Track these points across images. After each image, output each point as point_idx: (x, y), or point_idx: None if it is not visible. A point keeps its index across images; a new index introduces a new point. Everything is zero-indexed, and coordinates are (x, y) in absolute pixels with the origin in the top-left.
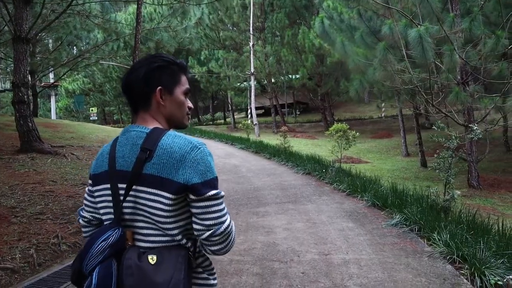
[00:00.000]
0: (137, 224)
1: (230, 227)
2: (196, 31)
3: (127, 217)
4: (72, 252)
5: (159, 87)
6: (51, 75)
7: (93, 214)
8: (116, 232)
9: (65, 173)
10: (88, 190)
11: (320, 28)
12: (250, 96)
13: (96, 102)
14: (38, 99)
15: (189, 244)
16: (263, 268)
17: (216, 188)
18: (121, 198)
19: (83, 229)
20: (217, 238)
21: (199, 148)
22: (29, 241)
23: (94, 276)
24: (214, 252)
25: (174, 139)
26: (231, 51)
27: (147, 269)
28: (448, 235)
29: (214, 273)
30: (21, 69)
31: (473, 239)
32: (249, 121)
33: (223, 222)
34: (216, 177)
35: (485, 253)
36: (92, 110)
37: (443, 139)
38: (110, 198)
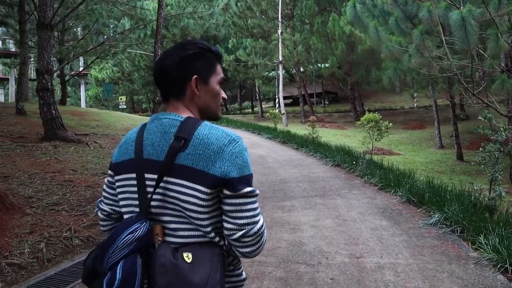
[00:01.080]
0: (165, 218)
1: (263, 228)
2: (223, 19)
3: (153, 210)
4: (85, 247)
5: (195, 76)
6: (81, 63)
7: (113, 207)
8: (144, 225)
9: (86, 161)
10: (108, 181)
11: (352, 12)
12: (278, 85)
13: (125, 91)
14: (69, 88)
15: (222, 242)
16: (287, 272)
17: (251, 185)
18: (150, 189)
19: (102, 223)
20: (249, 239)
21: (237, 142)
22: (41, 234)
23: (118, 270)
24: (244, 254)
25: (211, 130)
26: (259, 39)
27: (183, 268)
28: (497, 239)
29: (242, 267)
30: (44, 56)
31: None
32: (276, 111)
33: (256, 222)
34: (252, 174)
35: None
36: (121, 98)
37: (489, 131)
38: (134, 188)
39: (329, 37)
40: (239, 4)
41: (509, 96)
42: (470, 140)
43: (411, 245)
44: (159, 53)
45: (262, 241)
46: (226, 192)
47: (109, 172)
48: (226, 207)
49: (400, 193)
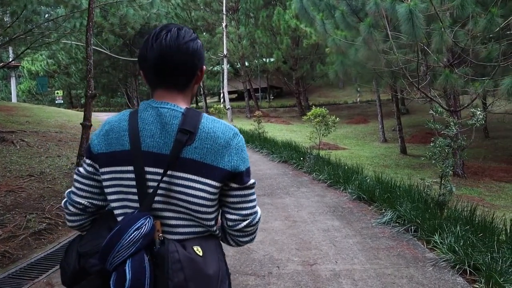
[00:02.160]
0: (166, 214)
1: (261, 216)
2: (166, 10)
3: (154, 205)
4: None
5: (203, 66)
6: (11, 54)
7: (91, 200)
8: (148, 222)
9: (9, 162)
10: (86, 171)
11: (298, 5)
12: (223, 79)
13: (62, 85)
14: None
15: (219, 234)
16: (235, 286)
17: (251, 177)
18: (151, 183)
19: (72, 217)
20: (251, 228)
21: (239, 135)
22: None
23: (127, 270)
24: (241, 243)
25: (214, 123)
26: (203, 32)
27: (198, 261)
28: (452, 238)
29: None
30: None
31: (482, 243)
32: (221, 105)
33: (257, 212)
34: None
35: (501, 262)
36: (57, 93)
37: (439, 126)
38: (131, 182)
39: (274, 31)
40: None
41: (451, 91)
42: (411, 134)
43: (366, 247)
44: (91, 42)
45: (257, 229)
46: (233, 185)
47: (88, 161)
48: (231, 199)
49: (350, 190)
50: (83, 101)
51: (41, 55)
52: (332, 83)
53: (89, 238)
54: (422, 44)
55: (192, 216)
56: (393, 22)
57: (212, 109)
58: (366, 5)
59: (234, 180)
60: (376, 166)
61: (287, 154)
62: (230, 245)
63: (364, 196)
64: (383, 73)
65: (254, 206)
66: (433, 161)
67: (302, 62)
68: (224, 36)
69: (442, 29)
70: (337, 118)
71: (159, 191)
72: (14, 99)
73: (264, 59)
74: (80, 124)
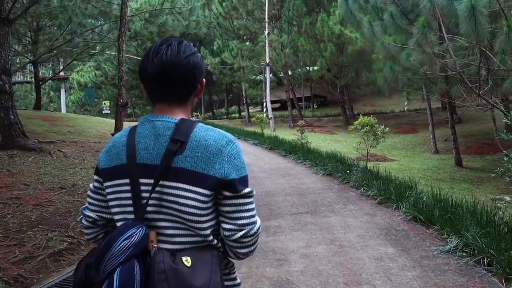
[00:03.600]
0: (161, 224)
1: (260, 227)
2: (209, 19)
3: (149, 215)
4: None
5: (203, 79)
6: (61, 67)
7: (99, 214)
8: (140, 231)
9: (43, 174)
10: (94, 187)
11: (344, 7)
12: (265, 88)
13: (109, 95)
14: (52, 93)
15: (219, 244)
16: None
17: (248, 185)
18: (145, 194)
19: (86, 231)
20: (248, 239)
21: (233, 143)
22: None
23: (115, 277)
24: (240, 255)
25: (207, 131)
26: (246, 41)
27: (184, 272)
28: None
29: (236, 271)
30: (1, 54)
31: None
32: (264, 115)
33: (255, 222)
34: (248, 174)
35: None
36: (104, 103)
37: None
38: (127, 194)
39: (318, 38)
40: (224, 4)
41: None
42: (465, 145)
43: (429, 284)
44: (123, 49)
45: (258, 241)
46: (226, 193)
47: (96, 177)
48: (226, 208)
49: (403, 209)
50: (129, 111)
51: (89, 67)
52: (378, 92)
53: (95, 250)
54: (482, 47)
55: (186, 225)
56: (447, 23)
57: (254, 118)
58: (418, 4)
59: (227, 188)
60: (429, 179)
61: (332, 166)
62: (230, 257)
63: (421, 217)
64: (437, 78)
65: (251, 216)
66: (508, 179)
67: (346, 69)
68: (267, 45)
69: (508, 27)
70: (387, 128)
71: (152, 201)
72: (63, 109)
73: (308, 68)
74: (111, 134)
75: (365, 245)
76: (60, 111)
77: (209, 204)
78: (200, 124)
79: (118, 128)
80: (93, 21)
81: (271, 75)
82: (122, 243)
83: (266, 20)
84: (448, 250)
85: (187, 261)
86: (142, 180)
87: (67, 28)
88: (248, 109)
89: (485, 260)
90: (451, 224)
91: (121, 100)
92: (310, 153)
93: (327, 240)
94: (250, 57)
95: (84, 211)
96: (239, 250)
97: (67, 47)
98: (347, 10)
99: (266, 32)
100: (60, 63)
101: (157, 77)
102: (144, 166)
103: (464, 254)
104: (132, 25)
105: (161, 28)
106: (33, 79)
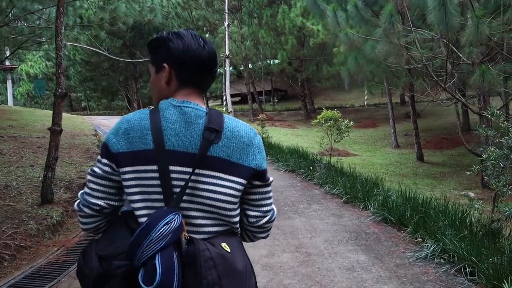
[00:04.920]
0: (192, 213)
1: (276, 212)
2: (167, 10)
3: (181, 204)
4: None
5: None
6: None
7: (108, 201)
8: (177, 217)
9: None
10: (103, 171)
11: None
12: (225, 81)
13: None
14: (0, 84)
15: (239, 231)
16: None
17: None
18: (177, 182)
19: (87, 220)
20: (270, 224)
21: (258, 135)
22: None
23: (157, 264)
24: (256, 239)
25: (236, 122)
26: (205, 33)
27: (229, 257)
28: None
29: None
30: None
31: None
32: (224, 109)
33: (274, 208)
34: None
35: None
36: None
37: (493, 132)
38: (154, 182)
39: (279, 31)
40: None
41: (482, 91)
42: (425, 139)
43: None
44: (62, 32)
45: None
46: (257, 182)
47: (105, 161)
48: (253, 196)
49: (372, 209)
50: (83, 104)
51: (39, 57)
52: (338, 86)
53: (109, 241)
54: (448, 40)
55: (218, 214)
56: (410, 16)
57: None
58: None
59: (258, 178)
60: (392, 175)
61: (294, 162)
62: (245, 241)
63: (391, 218)
64: (401, 72)
65: (272, 203)
66: (485, 178)
67: (307, 63)
68: (227, 36)
69: (479, 17)
70: (351, 122)
71: (186, 190)
72: (10, 102)
73: (268, 61)
74: (48, 129)
75: (334, 252)
76: (7, 103)
77: (240, 193)
78: (225, 114)
79: (56, 122)
80: (39, 7)
81: (231, 68)
82: (162, 228)
83: (226, 11)
84: (424, 256)
85: (226, 247)
86: (172, 168)
87: (10, 13)
88: (207, 103)
89: (467, 268)
90: (425, 226)
91: (59, 90)
92: (271, 148)
93: (292, 246)
94: None
95: (88, 198)
96: (259, 235)
97: (10, 34)
98: (311, 1)
99: (226, 24)
100: (6, 52)
101: (206, 64)
102: (174, 153)
103: (442, 261)
104: (85, 13)
105: (112, 14)
106: None
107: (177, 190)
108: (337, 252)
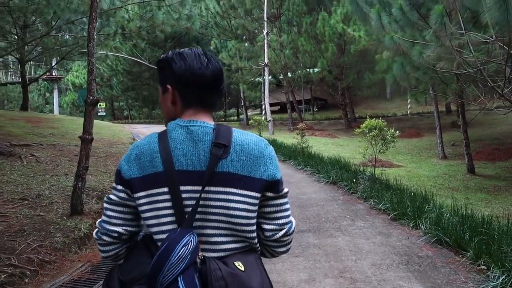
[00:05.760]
0: (207, 232)
1: (295, 225)
2: (206, 19)
3: (194, 223)
4: None
5: None
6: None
7: (126, 228)
8: (193, 238)
9: (5, 182)
10: (119, 197)
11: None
12: (264, 90)
13: (104, 97)
14: (48, 94)
15: (259, 247)
16: None
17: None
18: (188, 202)
19: (106, 248)
20: (288, 237)
21: (270, 145)
22: None
23: (181, 286)
24: (278, 254)
25: (245, 135)
26: (244, 41)
27: (242, 276)
28: None
29: None
30: None
31: None
32: (262, 117)
33: (292, 221)
34: None
35: None
36: (100, 105)
37: None
38: (166, 204)
39: (318, 38)
40: (221, 2)
41: None
42: (475, 150)
43: None
44: (94, 38)
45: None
46: (270, 194)
47: (120, 187)
48: (267, 209)
49: (423, 228)
50: (125, 113)
51: (84, 67)
52: (380, 95)
53: (131, 265)
54: (501, 43)
55: (234, 230)
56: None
57: (251, 121)
58: None
59: (271, 189)
60: (441, 188)
61: (336, 173)
62: (266, 257)
63: (447, 239)
64: (450, 78)
65: (289, 215)
66: None
67: (348, 71)
68: (265, 45)
69: None
70: (397, 132)
71: (198, 209)
72: (56, 111)
73: (308, 69)
74: (79, 137)
75: (384, 279)
76: (54, 112)
77: (256, 207)
78: (235, 128)
79: (87, 130)
80: (84, 18)
81: (270, 77)
82: (181, 251)
83: (265, 19)
84: None
85: (240, 265)
86: (183, 188)
87: (54, 25)
88: (246, 112)
89: None
90: (489, 251)
91: (91, 97)
92: (311, 158)
93: (335, 270)
94: (249, 58)
95: (106, 226)
96: (278, 249)
97: (55, 45)
98: (353, 2)
99: (265, 32)
100: (53, 63)
101: (210, 82)
102: (184, 173)
103: None
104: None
105: (149, 22)
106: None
107: (189, 209)
108: (387, 279)
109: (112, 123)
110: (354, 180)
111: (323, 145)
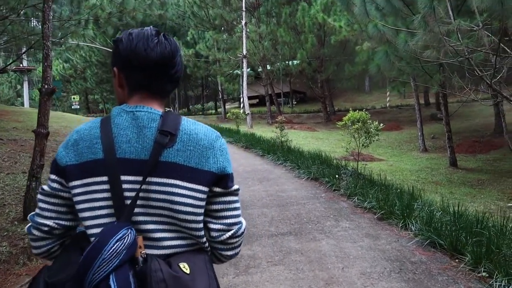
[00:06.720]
0: (147, 227)
1: (245, 227)
2: (183, 9)
3: (134, 218)
4: None
5: None
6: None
7: (58, 221)
8: (130, 232)
9: None
10: (52, 188)
11: None
12: (243, 82)
13: (78, 90)
14: (19, 86)
15: (209, 248)
16: None
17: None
18: (128, 194)
19: (37, 244)
20: (236, 240)
21: (221, 138)
22: None
23: (112, 284)
24: (226, 258)
25: (194, 125)
26: (222, 32)
27: (185, 280)
28: None
29: None
30: None
31: None
32: (240, 111)
33: (241, 222)
34: None
35: None
36: (73, 98)
37: None
38: (104, 194)
39: (298, 29)
40: None
41: None
42: (455, 143)
43: None
44: (50, 19)
45: (242, 242)
46: (218, 189)
47: (53, 177)
48: (215, 206)
49: (414, 228)
50: (100, 106)
51: (57, 59)
52: (358, 87)
53: (59, 266)
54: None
55: (179, 226)
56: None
57: (229, 114)
58: None
59: (220, 184)
60: (424, 182)
61: (317, 169)
62: (214, 262)
63: (441, 242)
64: (434, 68)
65: (238, 215)
66: None
67: (328, 63)
68: (244, 36)
69: None
70: (381, 124)
71: (139, 201)
72: (26, 103)
73: (287, 61)
74: (32, 131)
75: None
76: (24, 105)
77: (204, 202)
78: (185, 117)
79: (42, 123)
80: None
81: (248, 69)
82: (115, 245)
83: (244, 9)
84: None
85: (185, 267)
86: (124, 178)
87: (22, 13)
88: (224, 105)
89: None
90: (488, 255)
91: (46, 86)
92: (291, 152)
93: (320, 281)
94: (227, 49)
95: (36, 219)
96: (225, 253)
97: (22, 33)
98: None
99: (243, 22)
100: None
101: (156, 65)
102: (126, 161)
103: None
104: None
105: (119, 8)
106: None
107: (129, 201)
108: None
109: (86, 117)
110: (337, 176)
111: (302, 139)
